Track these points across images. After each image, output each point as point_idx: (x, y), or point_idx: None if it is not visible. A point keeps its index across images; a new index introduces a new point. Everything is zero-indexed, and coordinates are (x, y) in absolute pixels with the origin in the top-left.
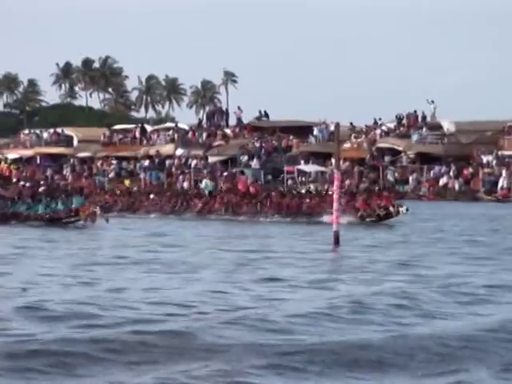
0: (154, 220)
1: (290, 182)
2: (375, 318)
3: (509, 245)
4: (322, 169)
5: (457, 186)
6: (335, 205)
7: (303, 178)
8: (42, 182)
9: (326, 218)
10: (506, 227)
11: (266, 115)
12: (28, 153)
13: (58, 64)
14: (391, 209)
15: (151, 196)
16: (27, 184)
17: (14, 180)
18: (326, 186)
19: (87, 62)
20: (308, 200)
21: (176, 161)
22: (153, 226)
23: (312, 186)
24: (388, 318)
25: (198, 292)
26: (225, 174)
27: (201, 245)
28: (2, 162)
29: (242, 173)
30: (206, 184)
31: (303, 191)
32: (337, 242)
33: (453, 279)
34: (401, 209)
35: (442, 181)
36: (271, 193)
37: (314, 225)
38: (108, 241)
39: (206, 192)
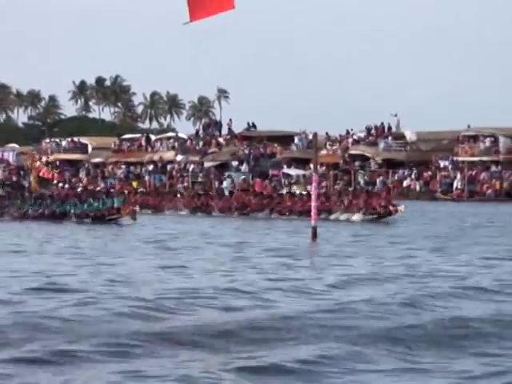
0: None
1: (274, 183)
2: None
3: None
4: (303, 172)
5: (418, 187)
6: (313, 203)
7: (286, 181)
8: (79, 184)
9: (333, 216)
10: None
11: (254, 126)
12: (50, 158)
13: (74, 82)
14: (391, 208)
15: (178, 195)
16: (66, 186)
17: (55, 182)
18: (308, 187)
19: (100, 81)
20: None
21: (176, 165)
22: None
23: (295, 187)
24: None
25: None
26: (242, 177)
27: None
28: (44, 166)
29: (230, 177)
30: (227, 183)
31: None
32: (314, 236)
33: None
34: (399, 208)
35: (405, 183)
36: (283, 194)
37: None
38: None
39: (227, 192)
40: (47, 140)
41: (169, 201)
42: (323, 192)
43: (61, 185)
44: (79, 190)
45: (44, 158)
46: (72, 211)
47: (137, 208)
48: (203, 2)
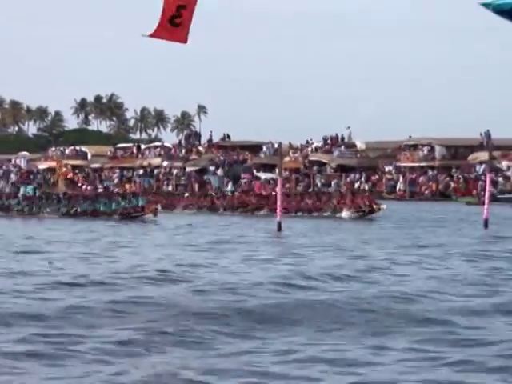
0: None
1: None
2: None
3: None
4: (271, 175)
5: (366, 188)
6: (279, 202)
7: (255, 183)
8: (99, 186)
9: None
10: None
11: (229, 137)
12: (54, 164)
13: (76, 99)
14: (374, 206)
15: (185, 195)
16: (89, 187)
17: (79, 184)
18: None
19: (98, 98)
20: (307, 200)
21: (162, 170)
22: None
23: (230, 186)
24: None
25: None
26: (244, 180)
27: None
28: (70, 170)
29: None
30: (230, 187)
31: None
32: (279, 228)
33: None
34: (382, 206)
35: (356, 185)
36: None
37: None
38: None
39: (229, 193)
40: (53, 148)
41: (178, 201)
42: (315, 192)
43: (84, 186)
44: (113, 190)
45: (69, 165)
46: (102, 209)
47: (158, 207)
48: (166, 26)
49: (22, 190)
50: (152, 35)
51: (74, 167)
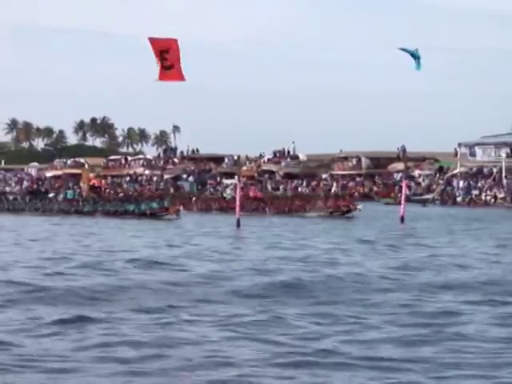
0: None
1: (212, 189)
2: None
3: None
4: (233, 181)
5: (308, 192)
6: (238, 202)
7: (219, 188)
8: (119, 190)
9: (309, 214)
10: None
11: (198, 151)
12: (58, 173)
13: (75, 121)
14: (351, 206)
15: (193, 199)
16: (112, 191)
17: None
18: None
19: (93, 120)
20: (296, 201)
21: (144, 177)
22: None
23: (228, 192)
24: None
25: None
26: (210, 185)
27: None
28: (94, 177)
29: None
30: (228, 194)
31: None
32: (238, 224)
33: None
34: (358, 207)
35: (299, 189)
36: (271, 197)
37: (297, 218)
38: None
39: (229, 197)
40: (57, 160)
41: (185, 204)
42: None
43: (107, 190)
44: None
45: (94, 173)
46: (132, 209)
47: (181, 208)
48: (167, 71)
49: (63, 193)
50: (159, 79)
51: (74, 175)
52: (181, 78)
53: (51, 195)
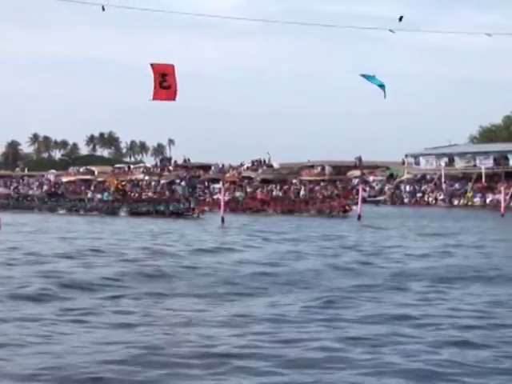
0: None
1: (201, 192)
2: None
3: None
4: (219, 186)
5: (280, 195)
6: (222, 204)
7: (207, 191)
8: (143, 193)
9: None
10: None
11: (189, 160)
12: (72, 178)
13: (87, 135)
14: (347, 208)
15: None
16: (136, 194)
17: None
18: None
19: (102, 134)
20: (298, 203)
21: (144, 182)
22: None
23: (239, 193)
24: None
25: None
26: (249, 190)
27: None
28: (120, 182)
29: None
30: (239, 195)
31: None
32: (223, 221)
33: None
34: (353, 207)
35: (274, 193)
36: (276, 200)
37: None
38: None
39: (240, 199)
40: (71, 168)
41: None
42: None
43: (133, 194)
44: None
45: (120, 178)
46: (162, 210)
47: (206, 208)
48: (159, 90)
49: (99, 195)
50: (153, 99)
51: (86, 180)
52: (174, 97)
53: (89, 196)
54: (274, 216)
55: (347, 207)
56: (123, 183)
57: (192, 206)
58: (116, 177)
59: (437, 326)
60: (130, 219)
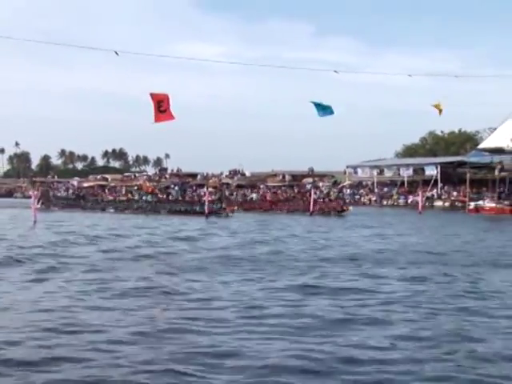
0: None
1: (190, 195)
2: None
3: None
4: (205, 190)
5: (254, 197)
6: (206, 203)
7: (195, 193)
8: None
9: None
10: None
11: (181, 170)
12: (91, 184)
13: (102, 150)
14: (344, 208)
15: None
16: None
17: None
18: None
19: (113, 150)
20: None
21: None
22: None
23: (254, 195)
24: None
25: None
26: (261, 192)
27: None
28: (150, 186)
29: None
30: (252, 197)
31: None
32: (207, 217)
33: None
34: (350, 208)
35: (248, 196)
36: (283, 200)
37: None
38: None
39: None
40: (91, 176)
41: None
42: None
43: (160, 195)
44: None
45: (148, 183)
46: (198, 209)
47: (235, 208)
48: (158, 113)
49: (143, 197)
50: (155, 121)
51: (102, 186)
52: (172, 117)
53: (136, 198)
54: (279, 215)
55: (344, 207)
56: (154, 187)
57: (224, 206)
58: (144, 182)
59: None
60: (176, 217)
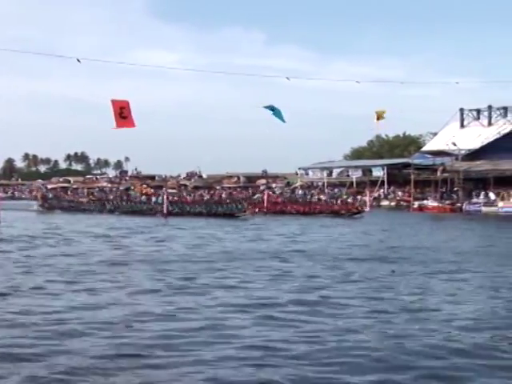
0: None
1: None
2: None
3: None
4: (162, 191)
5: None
6: (165, 205)
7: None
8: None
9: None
10: None
11: (140, 172)
12: (54, 186)
13: (65, 154)
14: (359, 209)
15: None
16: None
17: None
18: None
19: (76, 154)
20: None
21: (108, 188)
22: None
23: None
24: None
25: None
26: (265, 192)
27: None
28: (145, 188)
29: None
30: (257, 198)
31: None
32: (166, 217)
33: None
34: (365, 209)
35: (203, 196)
36: (291, 202)
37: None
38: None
39: (257, 200)
40: (54, 178)
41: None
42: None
43: (154, 199)
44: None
45: (145, 185)
46: (214, 211)
47: (256, 210)
48: (119, 120)
49: (154, 199)
50: (116, 127)
51: (64, 188)
52: (133, 125)
53: (143, 200)
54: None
55: (359, 208)
56: (146, 188)
57: (243, 207)
58: (140, 183)
59: None
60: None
